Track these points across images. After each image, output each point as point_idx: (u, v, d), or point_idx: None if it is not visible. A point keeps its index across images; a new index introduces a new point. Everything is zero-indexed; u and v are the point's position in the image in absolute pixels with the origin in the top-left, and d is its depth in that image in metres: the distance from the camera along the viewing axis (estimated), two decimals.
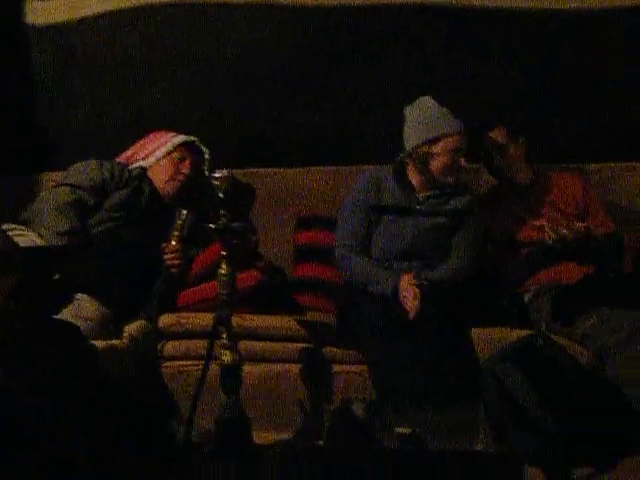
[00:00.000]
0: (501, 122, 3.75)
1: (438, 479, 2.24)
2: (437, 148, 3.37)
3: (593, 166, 4.04)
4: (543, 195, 3.68)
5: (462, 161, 3.39)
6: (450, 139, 3.37)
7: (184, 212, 3.60)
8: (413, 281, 3.23)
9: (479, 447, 2.64)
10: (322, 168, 4.07)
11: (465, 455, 2.50)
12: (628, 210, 3.97)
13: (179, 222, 3.58)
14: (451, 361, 3.04)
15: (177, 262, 3.54)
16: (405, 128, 3.47)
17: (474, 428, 2.70)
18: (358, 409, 2.79)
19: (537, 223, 3.58)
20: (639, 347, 2.97)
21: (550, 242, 3.48)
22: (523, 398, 2.84)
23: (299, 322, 3.38)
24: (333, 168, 4.07)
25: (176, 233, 3.56)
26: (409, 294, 3.19)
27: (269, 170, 4.12)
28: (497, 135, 3.71)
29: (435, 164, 3.39)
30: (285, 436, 3.11)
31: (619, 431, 2.95)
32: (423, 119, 3.41)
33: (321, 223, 3.80)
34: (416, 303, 3.15)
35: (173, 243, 3.55)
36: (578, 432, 2.82)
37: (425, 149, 3.38)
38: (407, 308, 3.16)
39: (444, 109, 3.41)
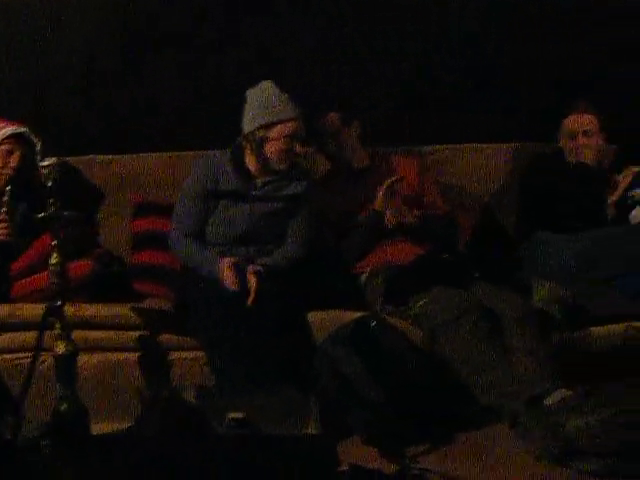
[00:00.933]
0: (333, 107, 3.80)
1: (269, 463, 2.26)
2: (273, 133, 3.38)
3: (427, 148, 4.15)
4: (380, 178, 3.73)
5: (298, 147, 3.42)
6: (286, 125, 3.39)
7: (7, 188, 3.52)
8: (232, 262, 3.27)
9: (311, 430, 2.67)
10: (159, 154, 4.04)
11: (296, 438, 2.54)
12: (461, 191, 4.11)
13: (4, 199, 3.51)
14: (283, 345, 3.08)
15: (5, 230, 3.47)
16: (244, 112, 3.47)
17: (306, 411, 2.73)
18: (190, 395, 2.79)
19: (373, 206, 3.64)
20: (467, 326, 3.07)
21: (388, 225, 3.57)
22: (356, 378, 2.90)
23: (135, 310, 3.35)
24: (170, 154, 4.04)
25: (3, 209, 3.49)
26: (228, 277, 3.23)
27: (105, 157, 4.06)
28: (330, 120, 3.76)
29: (270, 149, 3.40)
30: (124, 426, 3.07)
31: (450, 408, 3.05)
32: (261, 103, 3.41)
33: (159, 210, 3.76)
34: (236, 282, 3.20)
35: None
36: (411, 410, 2.91)
37: (261, 133, 3.39)
38: (229, 286, 3.21)
39: (284, 95, 3.43)
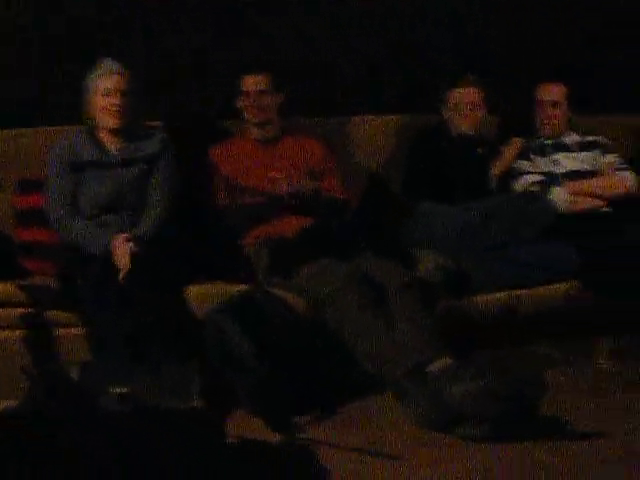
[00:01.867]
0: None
1: (154, 437, 2.26)
2: (98, 90, 3.45)
3: (316, 120, 4.16)
4: (285, 151, 3.78)
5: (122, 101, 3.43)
6: (108, 78, 3.44)
7: None
8: (123, 240, 3.26)
9: (196, 403, 2.69)
10: (39, 129, 3.94)
11: (181, 412, 2.54)
12: (349, 162, 4.14)
13: None
14: (164, 319, 3.09)
15: None
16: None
17: (190, 384, 2.74)
18: (76, 372, 2.76)
19: (271, 175, 3.65)
20: (351, 297, 3.11)
21: (284, 194, 3.59)
22: (241, 350, 2.92)
23: (20, 287, 3.31)
24: (48, 129, 3.93)
25: None
26: (120, 255, 3.21)
27: None
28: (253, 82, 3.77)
29: (99, 106, 3.46)
30: (9, 403, 3.03)
31: (337, 378, 3.10)
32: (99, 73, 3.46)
33: (41, 186, 3.68)
34: (127, 262, 3.18)
35: None
36: (297, 381, 2.94)
37: (91, 94, 3.47)
38: (121, 267, 3.18)
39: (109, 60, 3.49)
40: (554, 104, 4.09)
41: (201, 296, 3.28)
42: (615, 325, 3.60)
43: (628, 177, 4.01)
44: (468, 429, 2.76)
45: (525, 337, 3.53)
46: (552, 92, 4.09)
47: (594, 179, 4.02)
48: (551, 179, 3.97)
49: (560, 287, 3.53)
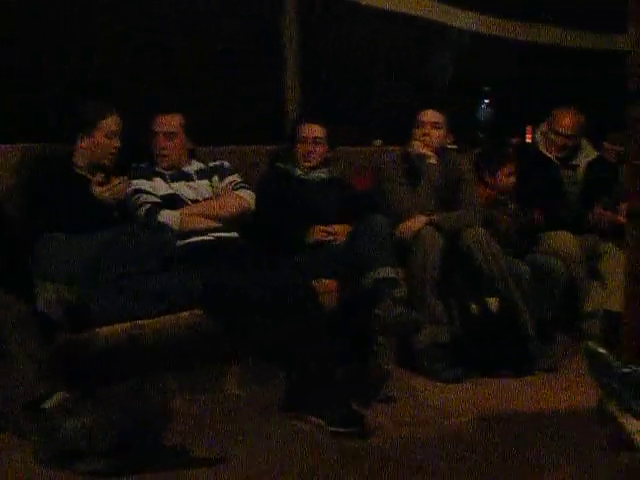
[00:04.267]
0: None
1: None
2: None
3: None
4: None
5: None
6: None
7: None
8: None
9: None
10: None
11: None
12: None
13: None
14: None
15: None
16: None
17: None
18: None
19: None
20: None
21: None
22: None
23: None
24: None
25: None
26: None
27: None
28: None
29: None
30: None
31: None
32: None
33: None
34: None
35: None
36: None
37: None
38: None
39: None
40: (169, 135, 4.07)
41: None
42: (243, 351, 3.65)
43: (244, 196, 4.09)
44: (89, 464, 2.69)
45: (150, 367, 3.48)
46: (167, 123, 4.08)
47: (208, 201, 4.07)
48: (169, 203, 3.98)
49: (183, 316, 3.52)
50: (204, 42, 4.80)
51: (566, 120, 4.84)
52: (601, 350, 1.99)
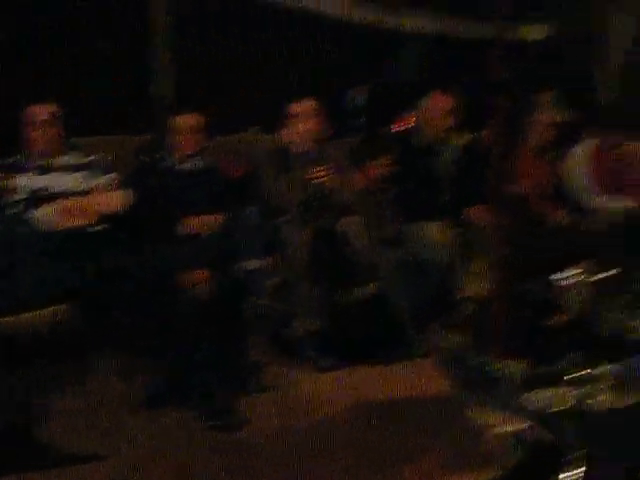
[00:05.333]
0: None
1: None
2: None
3: None
4: None
5: None
6: None
7: None
8: None
9: None
10: None
11: None
12: None
13: None
14: None
15: None
16: None
17: None
18: None
19: None
20: None
21: None
22: None
23: None
24: None
25: None
26: None
27: None
28: None
29: None
30: None
31: None
32: None
33: None
34: None
35: None
36: None
37: None
38: None
39: None
40: (40, 124, 3.93)
41: None
42: (111, 344, 3.57)
43: (117, 195, 4.00)
44: None
45: (15, 362, 3.38)
46: (38, 113, 3.94)
47: (83, 197, 3.96)
48: (41, 197, 3.85)
49: (47, 311, 3.41)
50: (76, 31, 4.67)
51: (440, 104, 4.90)
52: (454, 342, 2.01)
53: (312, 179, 4.23)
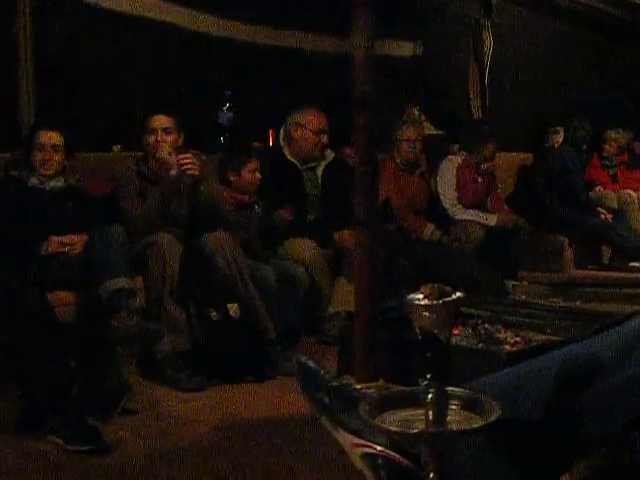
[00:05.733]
0: None
1: None
2: None
3: None
4: None
5: None
6: None
7: None
8: None
9: None
10: None
11: None
12: None
13: None
14: None
15: None
16: None
17: None
18: None
19: None
20: None
21: None
22: None
23: None
24: None
25: None
26: None
27: None
28: None
29: None
30: None
31: None
32: None
33: None
34: None
35: None
36: None
37: None
38: None
39: None
40: None
41: None
42: None
43: None
44: None
45: None
46: None
47: None
48: None
49: None
50: None
51: (317, 118, 4.94)
52: (310, 364, 2.00)
53: (180, 165, 4.18)
